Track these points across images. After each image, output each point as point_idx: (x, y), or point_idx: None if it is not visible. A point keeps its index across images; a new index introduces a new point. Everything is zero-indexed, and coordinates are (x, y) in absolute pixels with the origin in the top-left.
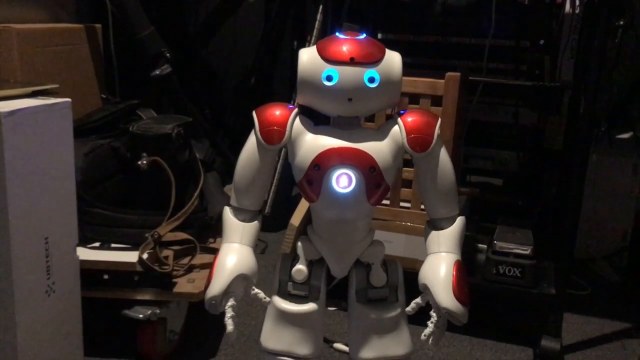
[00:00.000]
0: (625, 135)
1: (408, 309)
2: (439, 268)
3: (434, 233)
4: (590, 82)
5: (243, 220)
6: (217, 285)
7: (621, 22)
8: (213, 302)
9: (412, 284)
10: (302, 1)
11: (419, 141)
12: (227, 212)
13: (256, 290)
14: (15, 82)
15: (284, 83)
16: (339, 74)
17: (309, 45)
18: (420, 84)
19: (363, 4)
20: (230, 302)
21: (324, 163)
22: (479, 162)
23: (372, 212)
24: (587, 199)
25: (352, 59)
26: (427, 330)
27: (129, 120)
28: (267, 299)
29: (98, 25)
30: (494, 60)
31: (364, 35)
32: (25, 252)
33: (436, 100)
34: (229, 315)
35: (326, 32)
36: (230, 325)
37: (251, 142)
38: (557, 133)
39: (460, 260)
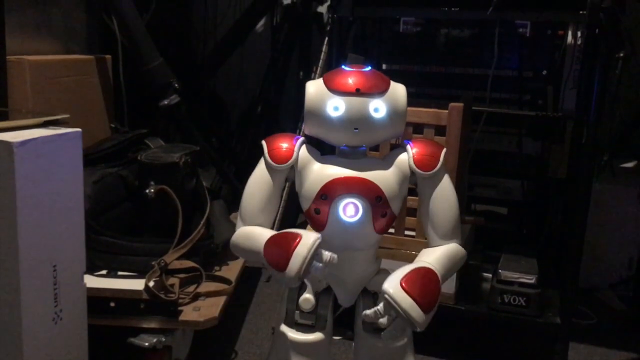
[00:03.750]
0: (630, 164)
1: (368, 312)
2: (401, 267)
3: (422, 250)
4: (592, 112)
5: None
6: (305, 247)
7: (621, 54)
8: (304, 266)
9: None
10: (307, 32)
11: (425, 160)
12: (239, 231)
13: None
14: (27, 112)
15: (289, 112)
16: (345, 104)
17: (314, 76)
18: (423, 114)
19: (368, 35)
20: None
21: (331, 192)
22: (484, 190)
23: (378, 241)
24: (592, 228)
25: (357, 89)
26: (369, 311)
27: (137, 149)
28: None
29: (108, 56)
30: (497, 90)
31: (369, 68)
32: (33, 280)
33: (440, 130)
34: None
35: (331, 62)
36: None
37: (260, 167)
38: (560, 162)
39: (434, 271)
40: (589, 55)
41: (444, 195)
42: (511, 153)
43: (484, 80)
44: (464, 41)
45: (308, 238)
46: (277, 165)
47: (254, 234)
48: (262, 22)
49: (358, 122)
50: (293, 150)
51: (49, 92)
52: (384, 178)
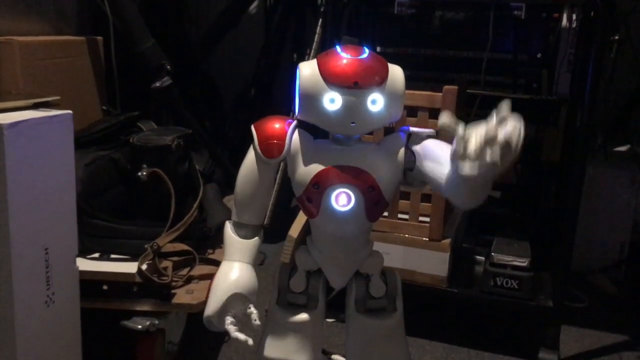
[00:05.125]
0: (623, 148)
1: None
2: None
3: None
4: (586, 96)
5: (244, 236)
6: (212, 306)
7: (616, 37)
8: (210, 321)
9: (411, 295)
10: (301, 14)
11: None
12: (228, 228)
13: (252, 309)
14: (18, 93)
15: (283, 95)
16: (342, 99)
17: (308, 58)
18: (418, 97)
19: (362, 17)
20: (228, 319)
21: (323, 182)
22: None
23: (371, 227)
24: (585, 211)
25: (355, 83)
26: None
27: (130, 132)
28: (257, 322)
29: (99, 38)
30: (492, 73)
31: (366, 54)
32: (25, 263)
33: (434, 113)
34: (233, 332)
35: (325, 45)
36: (242, 336)
37: (250, 157)
38: (555, 146)
39: None
40: (584, 38)
41: (435, 142)
42: None
43: (478, 64)
44: (458, 24)
45: (216, 300)
46: (268, 159)
47: (226, 245)
48: (255, 4)
49: (355, 116)
50: (285, 142)
51: (39, 73)
52: (378, 167)
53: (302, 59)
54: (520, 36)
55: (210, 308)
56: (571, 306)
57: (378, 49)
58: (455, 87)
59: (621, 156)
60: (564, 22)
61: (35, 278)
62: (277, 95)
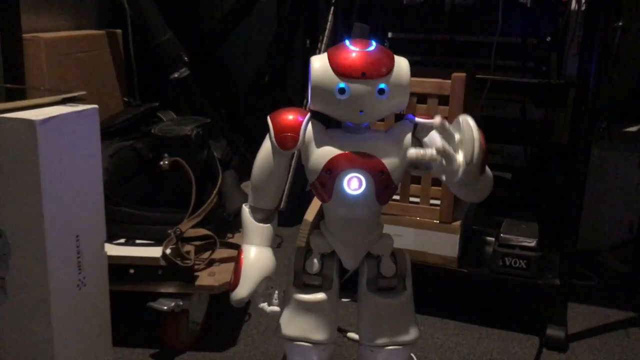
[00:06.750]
0: (633, 129)
1: (412, 150)
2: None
3: None
4: (591, 79)
5: (261, 219)
6: (246, 288)
7: (620, 23)
8: (241, 301)
9: (421, 276)
10: (313, 1)
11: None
12: (246, 212)
13: (273, 289)
14: (45, 89)
15: (297, 81)
16: (351, 89)
17: (320, 45)
18: (427, 84)
19: (373, 4)
20: (260, 299)
21: (335, 167)
22: (488, 156)
23: (381, 209)
24: (595, 191)
25: (363, 74)
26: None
27: (150, 123)
28: (277, 300)
29: (118, 31)
30: (501, 57)
31: (373, 46)
32: (58, 250)
33: (443, 100)
34: (267, 309)
35: (337, 32)
36: (277, 308)
37: (266, 147)
38: (565, 127)
39: None
40: (590, 21)
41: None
42: (515, 119)
43: (488, 48)
44: (469, 9)
45: (246, 283)
46: (283, 151)
47: (246, 229)
48: None
49: (363, 105)
50: (299, 134)
51: (64, 68)
52: (387, 153)
53: (315, 46)
54: (530, 20)
55: (245, 290)
56: (580, 284)
57: (390, 34)
58: (463, 74)
59: (632, 136)
60: (573, 5)
61: (68, 263)
62: (291, 81)
